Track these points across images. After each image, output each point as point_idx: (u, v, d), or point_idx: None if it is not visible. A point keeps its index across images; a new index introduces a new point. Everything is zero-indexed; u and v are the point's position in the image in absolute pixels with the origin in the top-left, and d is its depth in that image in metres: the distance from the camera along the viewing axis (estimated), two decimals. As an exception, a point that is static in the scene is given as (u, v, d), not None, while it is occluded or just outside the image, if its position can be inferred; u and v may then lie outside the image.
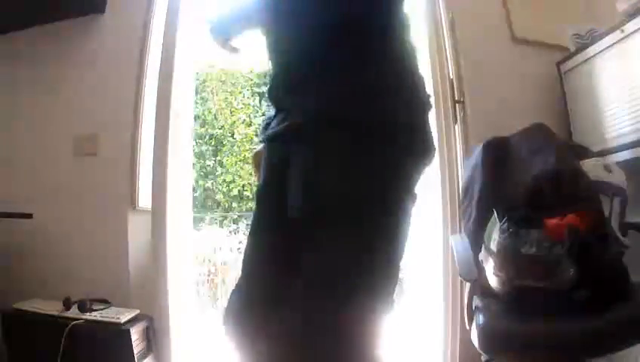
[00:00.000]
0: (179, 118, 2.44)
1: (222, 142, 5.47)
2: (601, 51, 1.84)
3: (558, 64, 2.10)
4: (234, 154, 5.41)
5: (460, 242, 1.65)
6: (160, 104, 2.07)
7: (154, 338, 1.99)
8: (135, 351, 1.83)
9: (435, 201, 2.17)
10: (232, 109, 5.48)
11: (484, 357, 1.50)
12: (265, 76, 5.65)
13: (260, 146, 1.04)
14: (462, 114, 2.12)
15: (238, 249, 4.66)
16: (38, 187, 2.15)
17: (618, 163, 1.62)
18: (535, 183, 1.42)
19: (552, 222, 1.30)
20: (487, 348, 1.46)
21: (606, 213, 1.37)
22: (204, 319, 4.07)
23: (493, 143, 1.65)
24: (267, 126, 0.95)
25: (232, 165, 5.38)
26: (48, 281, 2.02)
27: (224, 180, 5.36)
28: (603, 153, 1.74)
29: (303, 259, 0.79)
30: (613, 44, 1.77)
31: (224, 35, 1.15)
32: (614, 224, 1.38)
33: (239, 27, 1.14)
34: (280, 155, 0.89)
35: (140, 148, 2.17)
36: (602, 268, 1.28)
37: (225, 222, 4.95)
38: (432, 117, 2.15)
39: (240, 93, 5.54)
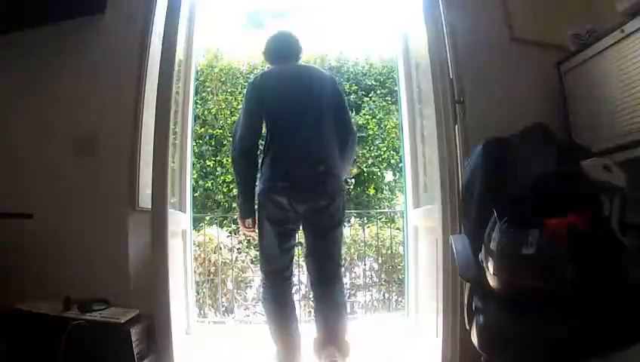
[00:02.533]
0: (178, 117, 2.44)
1: (222, 142, 5.46)
2: (601, 51, 1.84)
3: (558, 64, 2.10)
4: (234, 154, 5.41)
5: (460, 242, 1.65)
6: (160, 104, 2.07)
7: (154, 338, 1.99)
8: (135, 351, 1.83)
9: (435, 201, 2.17)
10: (232, 109, 5.48)
11: (484, 357, 1.50)
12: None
13: None
14: (462, 114, 2.12)
15: (238, 249, 4.66)
16: (38, 187, 2.15)
17: (618, 163, 1.61)
18: (535, 183, 1.42)
19: (552, 222, 1.29)
20: (487, 348, 1.46)
21: (606, 213, 1.37)
22: (204, 319, 4.07)
23: (493, 143, 1.64)
24: None
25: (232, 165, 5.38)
26: (48, 281, 2.02)
27: (224, 180, 5.36)
28: (603, 153, 1.74)
29: None
30: (613, 44, 1.76)
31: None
32: (614, 224, 1.37)
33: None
34: None
35: (140, 148, 2.17)
36: (602, 268, 1.28)
37: (225, 222, 4.95)
38: (432, 117, 2.18)
39: (240, 93, 5.53)
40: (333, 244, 2.08)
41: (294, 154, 1.96)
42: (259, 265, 2.23)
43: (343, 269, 2.13)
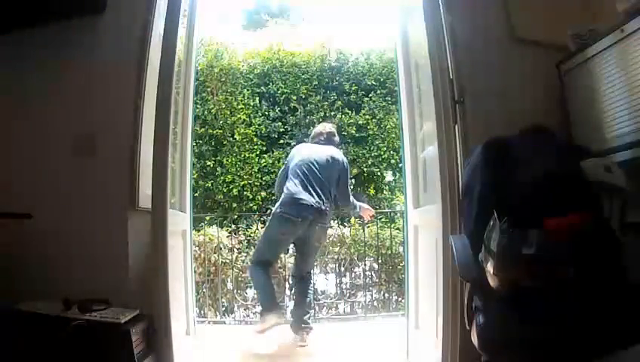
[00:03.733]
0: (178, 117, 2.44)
1: (222, 142, 5.46)
2: (601, 51, 1.84)
3: (558, 64, 2.10)
4: (234, 154, 5.41)
5: (459, 242, 1.65)
6: (160, 104, 2.07)
7: (154, 338, 1.99)
8: (135, 351, 1.83)
9: (435, 201, 2.17)
10: (232, 109, 5.48)
11: (484, 357, 1.50)
12: (265, 77, 5.66)
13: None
14: (462, 114, 2.12)
15: (238, 249, 4.66)
16: (37, 187, 2.15)
17: (618, 163, 1.61)
18: (535, 183, 1.42)
19: (552, 222, 1.29)
20: (487, 348, 1.46)
21: (606, 213, 1.37)
22: (204, 319, 4.07)
23: (493, 143, 1.64)
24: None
25: (232, 165, 5.38)
26: (48, 281, 2.02)
27: (224, 180, 5.36)
28: (603, 153, 1.74)
29: None
30: (613, 44, 1.76)
31: None
32: (614, 224, 1.37)
33: None
34: None
35: (140, 148, 2.17)
36: (602, 268, 1.28)
37: (225, 222, 4.95)
38: (431, 117, 2.18)
39: (240, 93, 5.53)
40: (313, 255, 3.39)
41: (308, 198, 3.02)
42: (253, 255, 3.34)
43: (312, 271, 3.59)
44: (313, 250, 3.28)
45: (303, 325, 3.14)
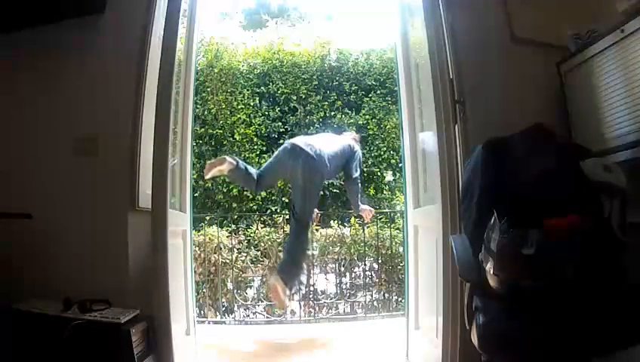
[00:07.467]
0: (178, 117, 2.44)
1: (222, 142, 5.46)
2: (601, 51, 1.84)
3: (558, 64, 2.10)
4: (234, 154, 5.40)
5: (459, 242, 1.65)
6: (160, 104, 2.07)
7: (154, 338, 1.99)
8: (135, 351, 1.83)
9: (435, 201, 2.17)
10: (232, 109, 5.47)
11: (484, 357, 1.50)
12: (265, 77, 5.66)
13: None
14: (462, 114, 2.12)
15: (238, 249, 4.66)
16: (38, 187, 2.15)
17: (618, 163, 1.61)
18: (535, 183, 1.42)
19: (552, 222, 1.30)
20: (487, 348, 1.46)
21: (606, 213, 1.37)
22: (204, 319, 4.07)
23: (493, 143, 1.64)
24: None
25: (231, 165, 5.37)
26: (48, 281, 2.02)
27: (224, 180, 5.35)
28: (603, 153, 1.74)
29: None
30: (613, 44, 1.77)
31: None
32: (614, 224, 1.37)
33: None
34: None
35: (140, 148, 2.17)
36: (602, 268, 1.28)
37: (225, 222, 4.95)
38: (432, 117, 2.18)
39: (240, 93, 5.53)
40: (310, 196, 3.30)
41: (314, 144, 3.28)
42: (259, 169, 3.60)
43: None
44: (309, 190, 3.26)
45: (289, 285, 3.13)
